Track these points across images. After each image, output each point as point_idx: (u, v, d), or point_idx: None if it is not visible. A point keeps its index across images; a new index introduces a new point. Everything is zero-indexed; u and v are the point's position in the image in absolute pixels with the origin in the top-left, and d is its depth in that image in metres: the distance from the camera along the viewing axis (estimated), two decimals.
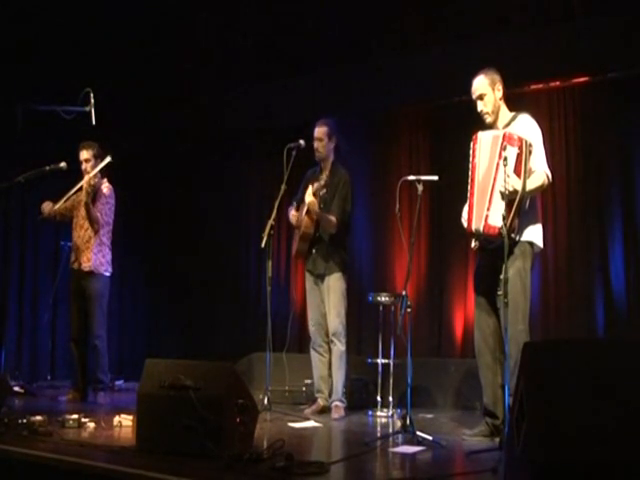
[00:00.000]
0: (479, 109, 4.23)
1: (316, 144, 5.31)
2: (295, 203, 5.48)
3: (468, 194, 4.09)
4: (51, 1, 6.94)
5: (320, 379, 5.34)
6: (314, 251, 5.32)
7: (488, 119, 4.23)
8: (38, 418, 4.02)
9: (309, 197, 5.15)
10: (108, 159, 5.78)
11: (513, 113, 4.25)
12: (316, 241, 5.30)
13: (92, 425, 4.18)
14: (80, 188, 5.78)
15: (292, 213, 5.41)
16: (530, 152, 3.95)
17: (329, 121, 5.38)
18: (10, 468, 3.32)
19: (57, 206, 5.83)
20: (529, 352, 2.61)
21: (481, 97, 4.22)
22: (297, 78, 7.47)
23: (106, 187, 5.90)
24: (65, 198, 5.82)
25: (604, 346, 2.68)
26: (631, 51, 5.71)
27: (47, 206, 5.88)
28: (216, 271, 8.00)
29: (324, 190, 5.12)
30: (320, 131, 5.32)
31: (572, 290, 6.08)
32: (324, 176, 5.23)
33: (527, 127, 4.12)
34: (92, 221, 5.79)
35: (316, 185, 5.14)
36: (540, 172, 4.03)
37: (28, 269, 7.48)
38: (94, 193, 5.81)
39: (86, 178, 5.71)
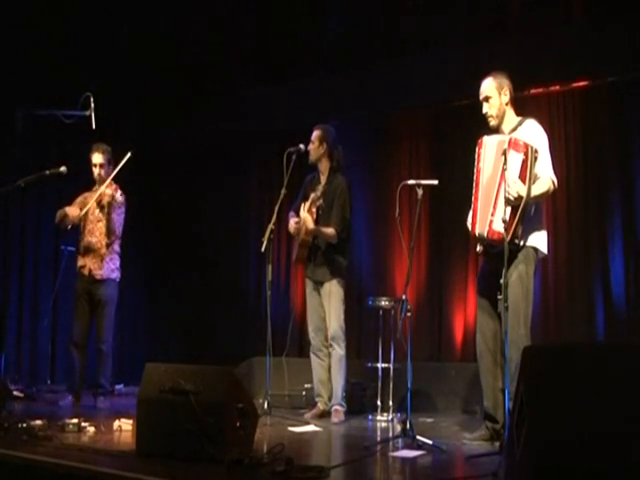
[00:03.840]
0: (484, 111, 4.24)
1: (309, 146, 5.37)
2: (294, 212, 5.49)
3: (472, 198, 4.09)
4: (51, 4, 6.96)
5: (320, 383, 5.34)
6: (313, 258, 5.34)
7: (492, 122, 4.23)
8: (38, 422, 4.03)
9: (304, 213, 5.21)
10: (128, 156, 5.62)
11: (520, 118, 4.24)
12: (315, 248, 5.32)
13: (92, 429, 4.17)
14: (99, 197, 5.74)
15: (292, 222, 5.42)
16: (536, 158, 3.93)
17: (325, 126, 5.41)
18: (10, 472, 3.32)
19: (83, 211, 5.76)
20: (529, 356, 2.61)
21: (487, 99, 4.22)
22: (297, 82, 7.49)
23: (120, 195, 5.85)
24: (91, 202, 5.73)
25: (604, 350, 2.68)
26: (631, 55, 5.72)
27: (74, 212, 5.76)
28: (216, 275, 8.00)
29: (321, 200, 5.16)
30: (313, 134, 5.37)
31: (572, 294, 6.08)
32: (321, 185, 5.26)
33: (533, 132, 4.12)
34: (111, 232, 5.79)
35: (313, 196, 5.16)
36: (546, 178, 4.02)
37: (28, 273, 7.46)
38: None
39: (109, 192, 5.67)
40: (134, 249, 8.05)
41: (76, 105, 5.37)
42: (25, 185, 5.26)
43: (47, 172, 5.43)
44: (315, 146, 5.34)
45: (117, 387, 6.98)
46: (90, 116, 5.40)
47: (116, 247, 5.90)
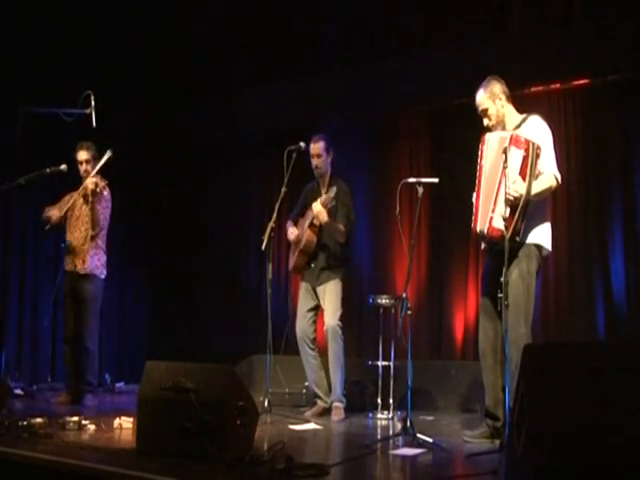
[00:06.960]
0: (485, 124, 4.22)
1: (315, 161, 5.27)
2: (292, 221, 5.46)
3: (474, 195, 4.09)
4: (51, 4, 6.96)
5: (314, 384, 5.35)
6: (312, 265, 5.30)
7: (496, 130, 4.21)
8: (38, 420, 4.02)
9: (318, 207, 5.02)
10: (108, 154, 5.60)
11: (524, 115, 4.22)
12: (315, 256, 5.28)
13: (92, 427, 4.18)
14: (83, 189, 5.75)
15: (291, 230, 5.38)
16: (538, 155, 3.91)
17: (324, 136, 5.35)
18: (10, 470, 3.32)
19: (63, 211, 5.79)
20: (529, 354, 2.61)
21: (484, 112, 4.20)
22: (297, 81, 7.48)
23: (106, 190, 5.87)
24: (71, 201, 5.76)
25: (604, 348, 2.68)
26: (631, 54, 5.71)
27: (54, 214, 5.81)
28: (216, 273, 8.01)
29: (333, 202, 5.04)
30: (317, 147, 5.26)
31: (572, 292, 6.07)
32: (330, 190, 5.07)
33: (537, 129, 4.10)
34: (95, 223, 5.75)
35: (325, 197, 5.00)
36: (548, 174, 4.00)
37: (28, 271, 7.46)
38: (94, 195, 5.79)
39: (93, 179, 5.64)
40: (135, 248, 8.07)
41: (76, 103, 5.37)
42: (25, 183, 5.27)
43: (48, 170, 5.44)
44: (323, 159, 5.26)
45: (118, 385, 7.01)
46: (90, 114, 5.40)
47: (100, 243, 5.85)
